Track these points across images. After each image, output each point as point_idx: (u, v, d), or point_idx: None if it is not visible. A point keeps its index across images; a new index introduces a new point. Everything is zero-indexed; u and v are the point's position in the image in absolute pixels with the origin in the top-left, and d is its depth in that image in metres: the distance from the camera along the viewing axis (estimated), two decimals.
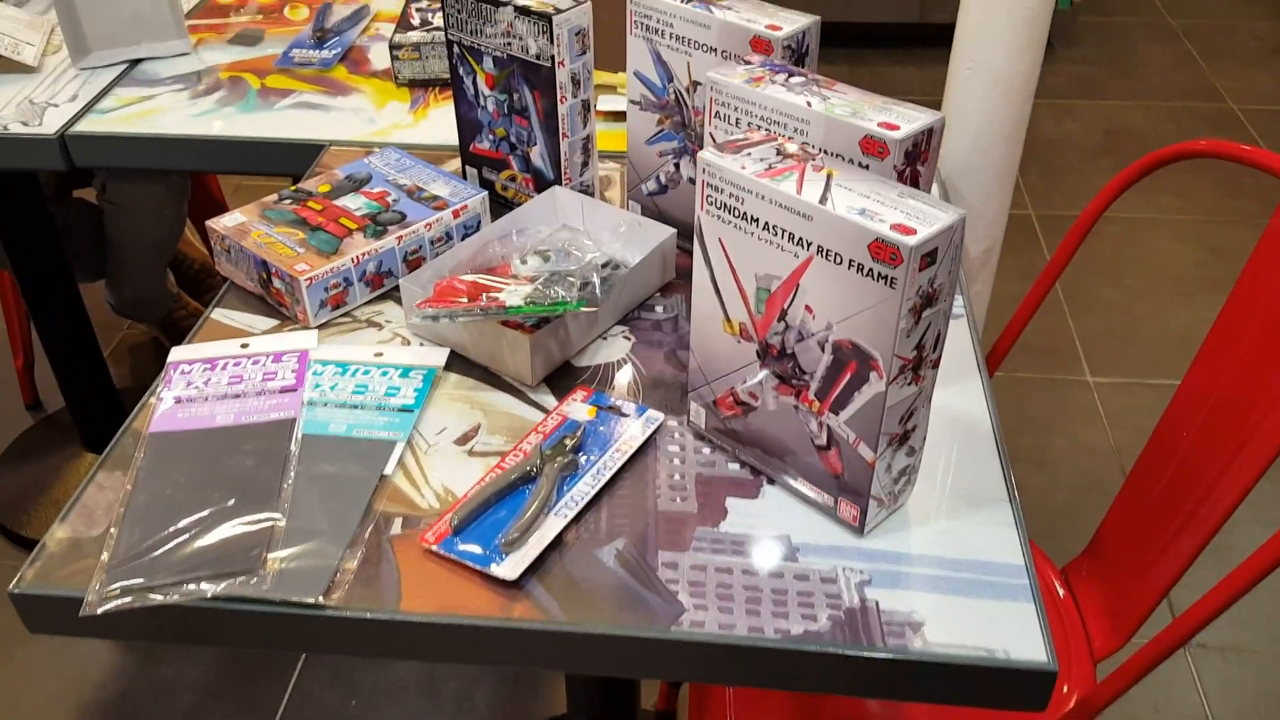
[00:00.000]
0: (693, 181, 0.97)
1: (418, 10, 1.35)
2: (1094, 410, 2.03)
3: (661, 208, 1.02)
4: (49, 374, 1.83)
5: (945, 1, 3.07)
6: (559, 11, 0.92)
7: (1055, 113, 2.95)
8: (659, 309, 0.95)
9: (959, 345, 0.90)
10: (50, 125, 1.22)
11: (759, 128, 0.77)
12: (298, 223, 0.97)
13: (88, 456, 1.90)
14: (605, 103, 1.23)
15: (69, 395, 1.86)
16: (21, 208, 1.61)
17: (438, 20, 1.32)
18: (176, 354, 0.88)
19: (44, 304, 1.78)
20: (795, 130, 0.75)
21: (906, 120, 0.71)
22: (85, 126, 1.22)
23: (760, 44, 0.84)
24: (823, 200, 0.63)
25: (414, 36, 1.28)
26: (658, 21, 0.90)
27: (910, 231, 0.60)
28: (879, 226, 0.60)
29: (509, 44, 0.96)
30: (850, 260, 0.62)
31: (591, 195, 1.06)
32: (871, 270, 0.62)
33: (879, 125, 0.71)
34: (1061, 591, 1.08)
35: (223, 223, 0.97)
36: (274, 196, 1.01)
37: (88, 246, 1.87)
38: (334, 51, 1.35)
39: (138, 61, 1.36)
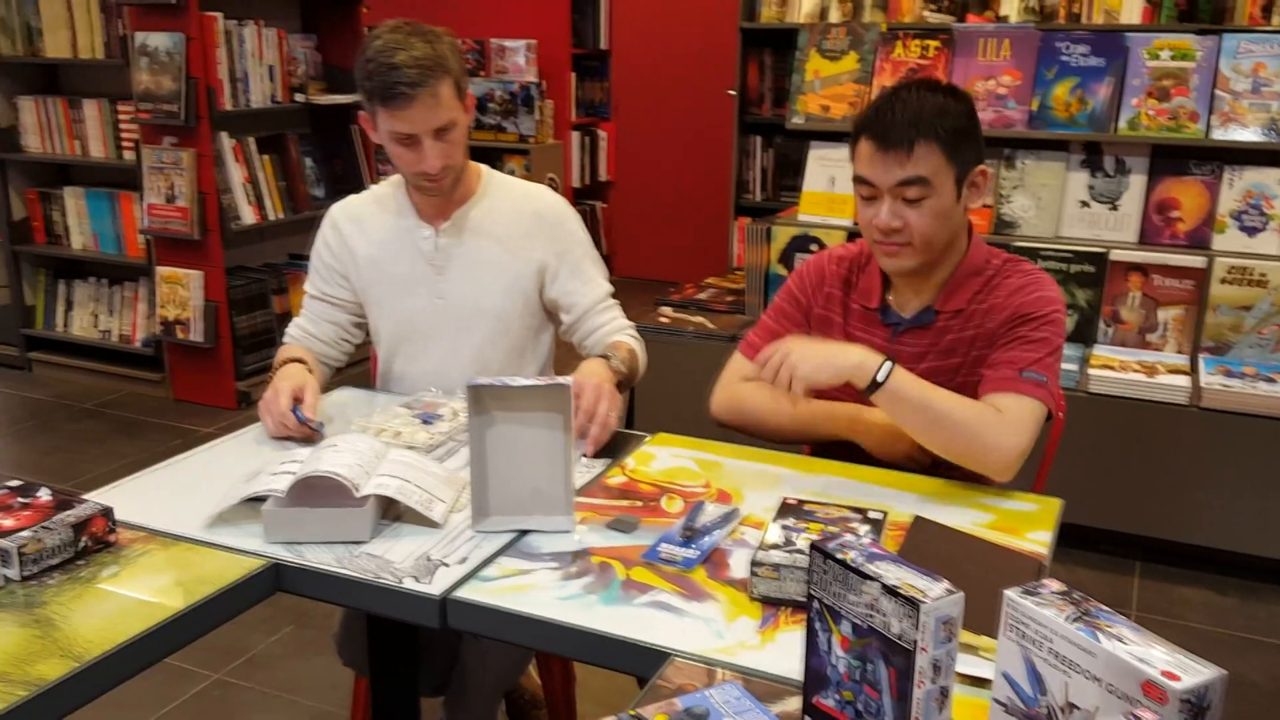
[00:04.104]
0: None
1: (784, 528, 1.39)
2: None
3: None
4: None
5: None
6: (928, 599, 0.89)
7: None
8: None
9: None
10: (437, 585, 1.34)
11: None
12: None
13: None
14: (965, 664, 1.16)
15: None
16: (398, 625, 1.75)
17: (801, 541, 1.34)
18: None
19: (388, 712, 1.88)
20: None
21: None
22: (465, 592, 1.33)
23: (1153, 691, 0.75)
24: None
25: (775, 556, 1.30)
26: (1035, 632, 0.85)
27: None
28: None
29: (871, 616, 0.94)
30: None
31: None
32: None
33: None
34: None
35: None
36: (612, 718, 1.01)
37: (441, 666, 1.99)
38: (697, 554, 1.40)
39: (526, 532, 1.49)
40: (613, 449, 1.78)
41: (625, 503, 1.59)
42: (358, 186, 4.64)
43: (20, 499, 1.42)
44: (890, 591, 0.92)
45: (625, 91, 6.21)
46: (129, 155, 4.27)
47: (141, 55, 3.94)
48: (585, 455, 1.73)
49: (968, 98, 1.68)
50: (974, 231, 1.75)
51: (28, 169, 4.56)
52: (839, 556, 0.96)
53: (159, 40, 3.91)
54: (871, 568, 0.94)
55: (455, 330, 2.00)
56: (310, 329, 2.06)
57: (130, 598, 1.30)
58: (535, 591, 1.34)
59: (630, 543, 1.46)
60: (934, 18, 3.60)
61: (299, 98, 4.35)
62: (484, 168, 2.05)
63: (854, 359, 1.59)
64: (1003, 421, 1.58)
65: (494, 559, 1.41)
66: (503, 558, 1.42)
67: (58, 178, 4.59)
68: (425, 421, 1.85)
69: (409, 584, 1.34)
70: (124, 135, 4.28)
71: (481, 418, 1.49)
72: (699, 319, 3.55)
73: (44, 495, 1.43)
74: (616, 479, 1.68)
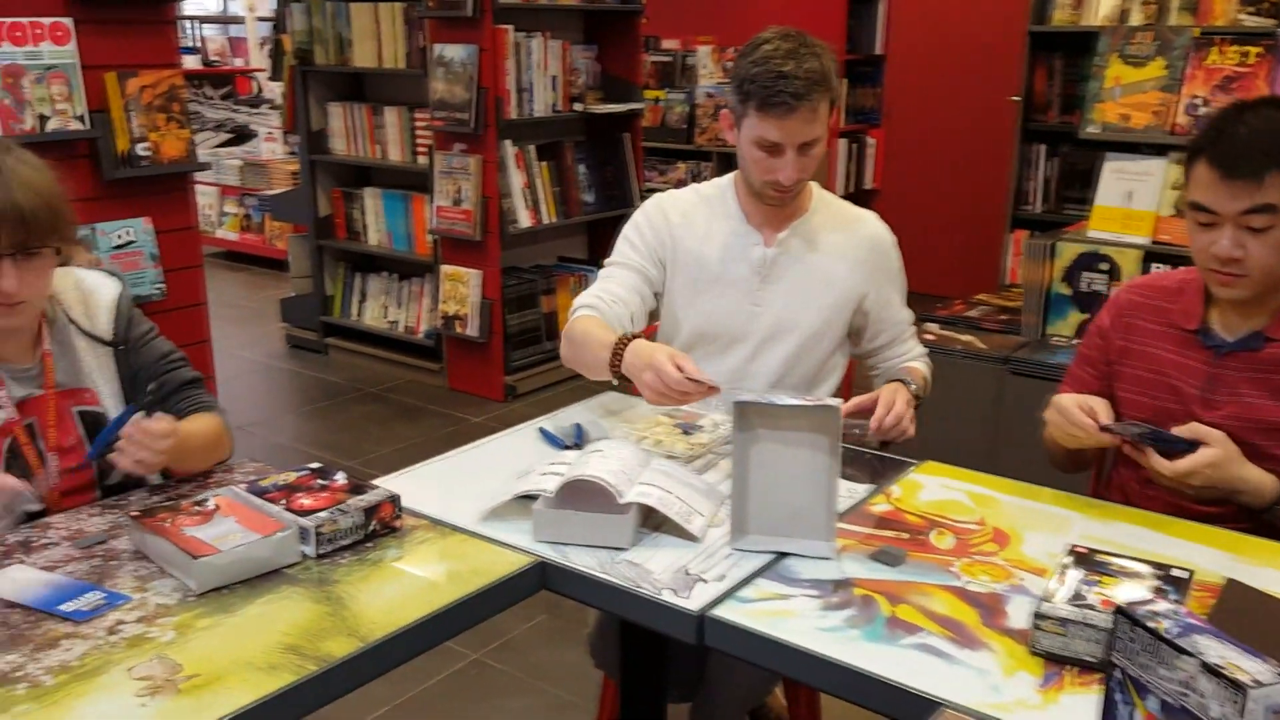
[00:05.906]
0: None
1: (1073, 578, 1.27)
2: None
3: None
4: None
5: None
6: (1258, 685, 0.78)
7: None
8: None
9: None
10: (695, 601, 1.33)
11: None
12: None
13: None
14: None
15: None
16: (651, 633, 1.76)
17: (1093, 596, 1.23)
18: None
19: (635, 716, 1.90)
20: None
21: None
22: (723, 611, 1.31)
23: None
24: None
25: (1062, 610, 1.20)
26: None
27: None
28: None
29: (1185, 695, 0.84)
30: None
31: None
32: None
33: None
34: None
35: None
36: None
37: (689, 675, 1.98)
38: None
39: (784, 555, 1.45)
40: (875, 474, 1.71)
41: (890, 533, 1.52)
42: (627, 194, 4.78)
43: (319, 481, 1.53)
44: (1211, 671, 0.81)
45: (898, 97, 6.03)
46: (422, 160, 4.57)
47: (438, 65, 4.21)
48: (871, 432, 1.75)
49: None
50: None
51: (333, 170, 4.98)
52: (1150, 625, 0.86)
53: (454, 52, 4.16)
54: (1188, 641, 0.84)
55: (763, 339, 2.00)
56: (619, 293, 1.96)
57: (411, 582, 1.37)
58: (794, 619, 1.29)
59: (896, 577, 1.39)
60: (1251, 21, 3.25)
61: (577, 107, 4.51)
62: (814, 184, 2.03)
63: (1252, 478, 1.55)
64: None
65: (752, 579, 1.39)
66: (761, 579, 1.39)
67: (359, 179, 4.99)
68: (685, 432, 1.85)
69: (667, 596, 1.34)
70: (419, 141, 4.60)
71: (746, 434, 1.47)
72: (968, 338, 3.37)
73: (340, 479, 1.53)
74: (880, 507, 1.61)
